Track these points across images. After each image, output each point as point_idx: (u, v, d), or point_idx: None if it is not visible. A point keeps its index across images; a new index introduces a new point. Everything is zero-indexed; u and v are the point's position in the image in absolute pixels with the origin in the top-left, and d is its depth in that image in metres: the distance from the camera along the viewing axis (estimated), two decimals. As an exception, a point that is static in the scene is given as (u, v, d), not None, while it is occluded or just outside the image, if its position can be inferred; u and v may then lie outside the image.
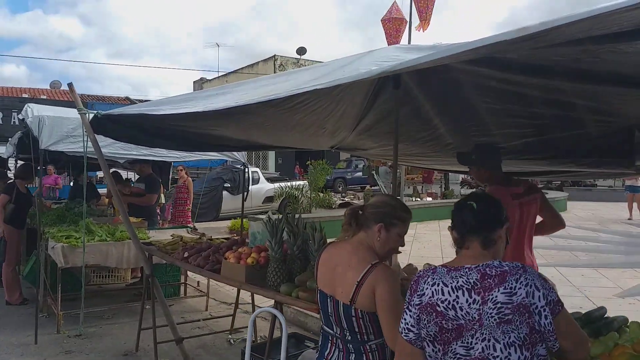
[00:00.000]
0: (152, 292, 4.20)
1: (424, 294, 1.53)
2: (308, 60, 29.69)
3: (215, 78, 35.25)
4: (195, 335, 4.66)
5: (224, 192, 14.26)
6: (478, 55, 1.74)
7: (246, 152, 6.05)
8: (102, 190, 14.49)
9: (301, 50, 29.81)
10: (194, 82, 38.23)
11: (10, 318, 5.37)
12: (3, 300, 5.89)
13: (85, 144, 4.40)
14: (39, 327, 4.71)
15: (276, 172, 24.32)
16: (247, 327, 4.84)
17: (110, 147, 4.99)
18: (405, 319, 1.57)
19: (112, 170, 8.67)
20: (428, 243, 10.03)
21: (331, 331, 2.03)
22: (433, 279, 1.53)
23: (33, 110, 5.68)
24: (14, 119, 24.12)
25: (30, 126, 4.80)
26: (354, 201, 17.57)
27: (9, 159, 9.34)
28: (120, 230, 5.37)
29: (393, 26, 12.77)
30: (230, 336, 4.83)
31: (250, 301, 5.04)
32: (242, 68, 32.66)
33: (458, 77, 2.91)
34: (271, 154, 29.27)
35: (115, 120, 4.25)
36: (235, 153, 5.99)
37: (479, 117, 3.32)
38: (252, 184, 14.91)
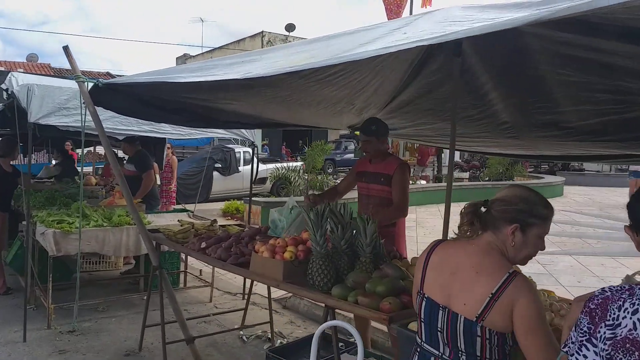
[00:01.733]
0: (160, 285, 3.72)
1: (619, 324, 1.09)
2: (297, 37, 28.92)
3: (199, 54, 34.18)
4: (207, 334, 4.19)
5: (215, 173, 13.68)
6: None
7: (247, 131, 5.52)
8: (87, 169, 13.84)
9: (290, 27, 28.95)
10: (176, 58, 37.06)
11: (-7, 311, 4.83)
12: (-16, 290, 5.33)
13: (84, 117, 3.85)
14: (27, 322, 4.19)
15: (263, 153, 23.73)
16: (259, 323, 4.43)
17: (109, 121, 4.43)
18: (583, 355, 1.14)
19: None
20: (432, 228, 9.70)
21: (436, 351, 1.60)
22: (633, 303, 1.10)
23: (18, 80, 5.06)
24: (-13, 92, 22.96)
25: (18, 95, 4.20)
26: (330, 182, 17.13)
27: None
28: (118, 214, 4.84)
29: (394, 0, 12.23)
30: (241, 332, 4.39)
31: (250, 290, 4.56)
32: (228, 44, 31.69)
33: (529, 44, 2.47)
34: (258, 134, 28.58)
35: (117, 90, 3.72)
36: (243, 131, 5.47)
37: (547, 91, 2.88)
38: (244, 165, 14.36)
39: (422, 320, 1.65)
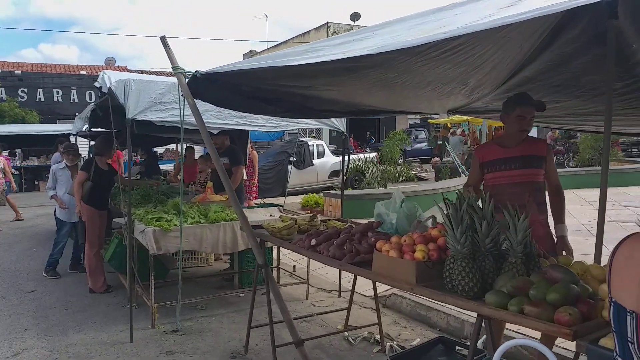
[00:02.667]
0: (267, 284, 3.53)
1: None
2: (362, 26, 28.41)
3: (265, 50, 34.56)
4: (314, 336, 3.97)
5: (290, 167, 13.61)
6: None
7: (337, 121, 5.25)
8: (165, 167, 14.25)
9: (355, 16, 28.47)
10: (243, 55, 37.71)
11: (97, 309, 4.90)
12: (85, 287, 5.45)
13: (182, 110, 3.73)
14: (131, 321, 4.17)
15: (332, 145, 23.53)
16: (366, 325, 4.15)
17: (202, 115, 4.28)
18: None
19: (186, 145, 8.12)
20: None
21: None
22: None
23: (111, 77, 5.09)
24: (73, 96, 24.38)
25: (115, 91, 4.16)
26: (421, 174, 16.59)
27: (77, 135, 9.00)
28: (214, 210, 4.74)
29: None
30: (347, 334, 4.14)
31: (353, 288, 4.27)
32: (293, 38, 31.77)
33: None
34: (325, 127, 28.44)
35: (215, 81, 3.55)
36: (334, 120, 5.20)
37: None
38: (318, 158, 14.21)
39: (613, 329, 1.33)
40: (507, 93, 3.65)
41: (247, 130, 7.27)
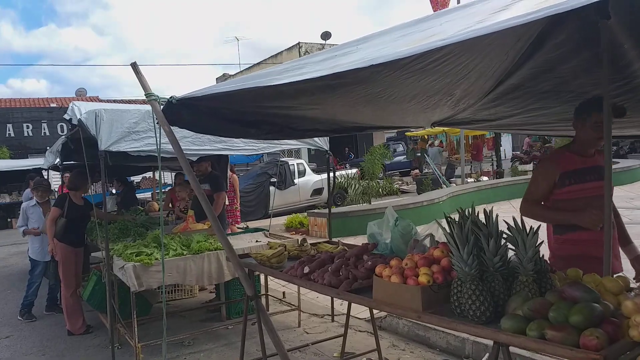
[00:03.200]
0: (258, 317, 3.32)
1: None
2: (334, 44, 28.60)
3: (238, 72, 34.52)
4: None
5: (271, 188, 13.40)
6: None
7: (320, 140, 5.12)
8: (142, 195, 13.88)
9: (326, 35, 28.68)
10: (216, 78, 37.63)
11: (76, 353, 4.60)
12: (63, 329, 5.14)
13: (159, 138, 3.54)
14: (113, 363, 3.91)
15: (312, 164, 23.44)
16: (364, 352, 3.97)
17: (180, 142, 4.10)
18: None
19: (175, 172, 7.87)
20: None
21: None
22: None
23: (81, 108, 4.88)
24: (44, 130, 23.84)
25: (86, 123, 3.96)
26: (403, 187, 16.55)
27: (49, 170, 8.68)
28: (197, 240, 4.52)
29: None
30: (342, 361, 3.94)
31: (349, 313, 4.08)
32: (265, 59, 31.83)
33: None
34: (306, 147, 28.33)
35: (191, 106, 3.38)
36: (317, 139, 5.07)
37: None
38: (299, 177, 14.05)
39: None
40: (496, 101, 3.56)
41: (227, 155, 7.12)
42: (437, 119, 4.35)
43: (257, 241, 5.06)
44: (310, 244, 3.89)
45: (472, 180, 14.70)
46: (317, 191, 14.35)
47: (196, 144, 4.32)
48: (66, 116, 4.98)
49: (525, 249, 2.09)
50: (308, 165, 15.03)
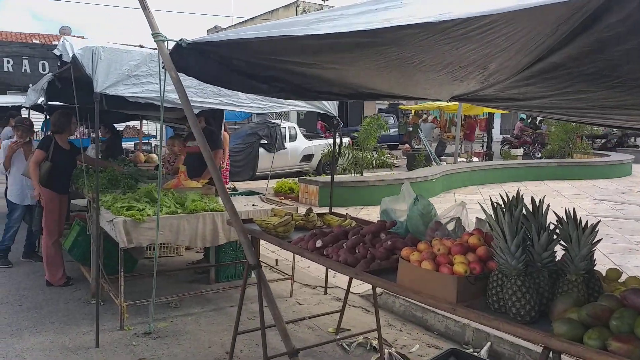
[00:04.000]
0: (259, 288, 3.11)
1: None
2: (332, 6, 27.78)
3: (230, 26, 33.43)
4: (308, 346, 3.58)
5: (260, 149, 13.06)
6: None
7: (329, 104, 4.83)
8: (126, 145, 13.39)
9: (326, -5, 27.80)
10: (207, 30, 36.46)
11: (56, 305, 4.34)
12: (41, 279, 4.87)
13: (163, 84, 3.23)
14: (94, 319, 3.67)
15: (301, 129, 23.04)
16: (364, 332, 3.81)
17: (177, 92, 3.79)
18: None
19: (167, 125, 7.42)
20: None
21: None
22: None
23: (73, 44, 4.47)
24: (24, 66, 22.79)
25: (81, 61, 3.58)
26: (392, 160, 16.35)
27: (30, 109, 8.21)
28: (192, 199, 4.25)
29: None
30: (336, 337, 3.79)
31: (348, 289, 3.91)
32: (260, 15, 30.86)
33: None
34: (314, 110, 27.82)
35: (203, 52, 3.06)
36: (325, 103, 4.78)
37: None
38: (290, 141, 13.73)
39: None
40: (529, 80, 3.30)
41: (222, 110, 6.76)
42: (459, 93, 4.08)
43: (253, 205, 4.82)
44: (318, 214, 3.66)
45: (463, 160, 14.58)
46: (307, 157, 14.07)
47: (199, 95, 3.99)
48: (56, 51, 4.57)
49: (579, 246, 1.89)
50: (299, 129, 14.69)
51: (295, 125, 14.78)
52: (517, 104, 4.02)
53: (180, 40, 2.96)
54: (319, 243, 2.75)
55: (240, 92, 3.97)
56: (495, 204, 2.07)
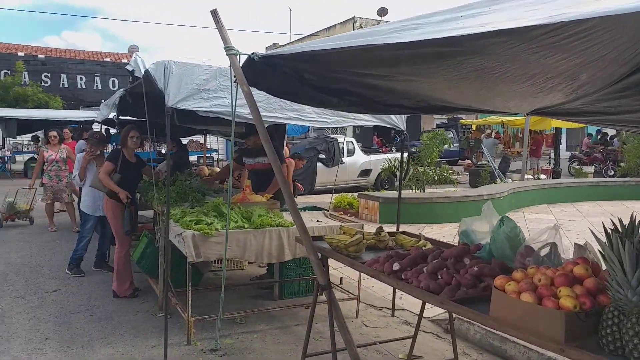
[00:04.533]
0: (330, 310, 2.97)
1: None
2: (387, 21, 27.65)
3: (288, 43, 34.04)
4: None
5: (318, 164, 13.03)
6: None
7: (396, 118, 4.67)
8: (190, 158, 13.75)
9: (382, 11, 27.76)
10: (265, 47, 37.27)
11: (125, 317, 4.40)
12: (111, 289, 4.96)
13: (234, 98, 3.20)
14: (162, 333, 3.66)
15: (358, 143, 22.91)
16: (426, 354, 3.59)
17: (246, 107, 3.77)
18: None
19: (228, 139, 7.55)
20: (582, 232, 8.34)
21: None
22: None
23: (144, 60, 4.59)
24: (96, 83, 24.15)
25: (154, 75, 3.64)
26: (453, 176, 15.86)
27: (102, 123, 8.58)
28: (258, 214, 4.20)
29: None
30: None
31: (421, 314, 3.72)
32: (318, 31, 31.19)
33: None
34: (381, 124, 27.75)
35: (275, 65, 3.00)
36: (393, 117, 4.63)
37: None
38: (348, 156, 13.62)
39: None
40: (619, 93, 3.02)
41: (285, 125, 6.75)
42: (542, 106, 3.81)
43: (318, 221, 4.72)
44: (389, 233, 3.50)
45: (530, 177, 13.90)
46: (365, 172, 13.91)
47: (267, 110, 3.96)
48: (128, 67, 4.73)
49: None
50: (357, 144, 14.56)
51: (353, 140, 14.67)
52: (607, 119, 3.69)
53: (252, 53, 2.92)
54: (396, 266, 2.58)
55: (310, 106, 3.91)
56: (609, 230, 1.84)
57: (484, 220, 3.03)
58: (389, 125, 4.67)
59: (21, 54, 22.86)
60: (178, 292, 4.28)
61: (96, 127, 9.14)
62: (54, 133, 8.01)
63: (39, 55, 23.42)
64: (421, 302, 4.08)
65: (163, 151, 16.13)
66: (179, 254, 4.11)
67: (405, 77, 2.96)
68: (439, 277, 2.43)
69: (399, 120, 4.66)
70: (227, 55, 2.98)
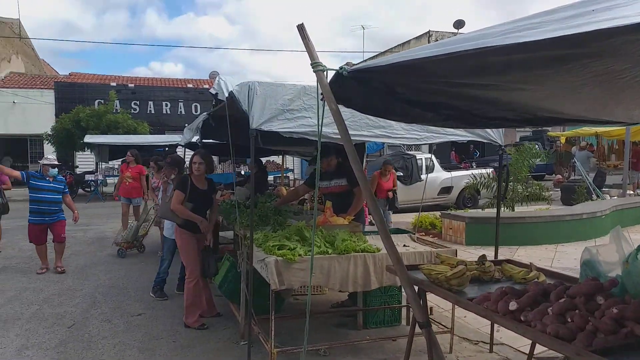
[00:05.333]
0: (430, 351, 2.64)
1: None
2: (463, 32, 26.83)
3: (362, 61, 33.95)
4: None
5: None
6: None
7: (494, 133, 4.26)
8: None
9: (459, 24, 27.00)
10: (339, 67, 37.42)
11: (207, 345, 4.28)
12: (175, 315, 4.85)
13: (321, 118, 2.99)
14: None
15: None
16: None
17: (331, 126, 3.56)
18: None
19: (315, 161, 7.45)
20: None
21: None
22: None
23: (227, 83, 4.53)
24: (180, 108, 25.35)
25: (238, 97, 3.53)
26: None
27: (185, 147, 8.81)
28: (342, 238, 3.95)
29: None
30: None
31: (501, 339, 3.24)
32: (393, 47, 30.90)
33: None
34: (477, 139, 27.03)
35: (364, 80, 2.76)
36: (490, 132, 4.23)
37: None
38: (427, 172, 13.09)
39: None
40: None
41: (365, 143, 6.50)
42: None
43: (404, 246, 4.38)
44: (493, 262, 3.11)
45: (631, 192, 12.60)
46: (446, 189, 13.31)
47: (353, 128, 3.72)
48: (212, 90, 4.69)
49: None
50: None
51: (432, 156, 14.09)
52: None
53: (340, 68, 2.70)
54: (512, 305, 2.21)
55: (402, 122, 3.64)
56: None
57: (612, 247, 2.58)
58: (485, 140, 4.28)
59: (113, 83, 24.60)
60: (259, 319, 4.11)
61: (180, 151, 9.42)
62: (152, 163, 8.02)
63: (129, 85, 25.07)
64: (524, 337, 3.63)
65: (243, 172, 16.47)
66: (260, 278, 3.95)
67: (513, 85, 2.60)
68: (568, 319, 2.03)
69: (496, 134, 4.25)
70: (314, 71, 2.79)
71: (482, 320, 4.77)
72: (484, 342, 4.32)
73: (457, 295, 2.60)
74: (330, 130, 3.53)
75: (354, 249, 3.88)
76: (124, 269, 7.06)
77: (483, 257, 3.07)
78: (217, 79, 4.74)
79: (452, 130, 4.13)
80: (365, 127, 3.77)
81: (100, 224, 11.55)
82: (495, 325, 4.27)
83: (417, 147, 25.61)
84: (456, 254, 4.12)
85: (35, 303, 5.44)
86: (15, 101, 22.37)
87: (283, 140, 4.44)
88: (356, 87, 2.81)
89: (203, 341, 4.35)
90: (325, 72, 2.79)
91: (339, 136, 3.78)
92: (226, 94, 4.17)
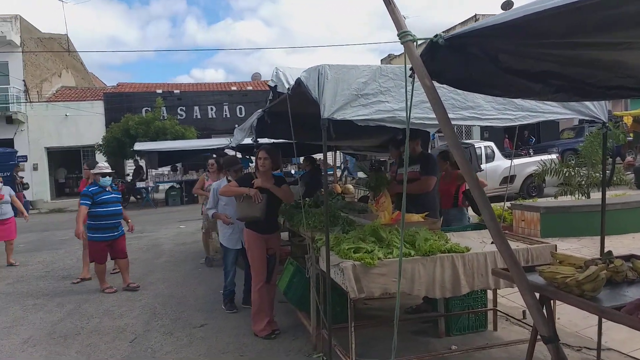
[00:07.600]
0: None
1: None
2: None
3: (401, 53, 33.11)
4: None
5: (453, 172, 11.98)
6: None
7: (596, 107, 3.69)
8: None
9: (508, 4, 25.65)
10: (381, 60, 36.83)
11: (276, 358, 3.93)
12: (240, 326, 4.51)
13: (410, 97, 2.53)
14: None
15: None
16: None
17: (416, 108, 3.11)
18: None
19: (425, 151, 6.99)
20: None
21: None
22: None
23: (286, 73, 4.16)
24: (225, 112, 25.42)
25: (306, 84, 3.14)
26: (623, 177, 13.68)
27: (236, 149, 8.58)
28: (424, 238, 3.50)
29: None
30: None
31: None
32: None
33: None
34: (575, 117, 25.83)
35: (460, 49, 2.29)
36: (593, 107, 3.66)
37: None
38: (487, 161, 12.37)
39: None
40: None
41: (428, 131, 6.00)
42: None
43: (492, 242, 3.86)
44: (618, 257, 2.57)
45: None
46: (507, 179, 12.51)
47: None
48: (270, 83, 4.33)
49: None
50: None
51: (493, 144, 13.32)
52: None
53: (435, 36, 2.25)
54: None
55: (507, 97, 3.15)
56: None
57: None
58: (586, 117, 3.72)
59: (159, 91, 24.95)
60: (332, 328, 3.71)
61: (230, 154, 9.18)
62: (212, 161, 7.57)
63: (175, 91, 25.37)
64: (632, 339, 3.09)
65: (293, 172, 16.19)
66: (332, 283, 3.55)
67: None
68: None
69: (599, 109, 3.67)
70: (401, 43, 2.34)
71: (580, 322, 4.24)
72: (588, 348, 3.79)
73: (593, 303, 2.10)
74: (405, 114, 3.08)
75: (439, 249, 3.41)
76: (181, 277, 6.84)
77: (609, 253, 2.54)
78: (274, 70, 4.37)
79: (548, 107, 3.58)
80: (451, 109, 3.26)
81: (154, 231, 11.53)
82: (605, 327, 3.71)
83: (469, 134, 24.40)
84: (556, 249, 3.59)
85: (95, 316, 5.26)
86: (67, 114, 23.03)
87: (352, 131, 4.03)
88: (452, 58, 2.35)
89: (272, 354, 4.00)
90: (414, 43, 2.35)
91: (421, 121, 3.34)
92: (287, 85, 3.80)
